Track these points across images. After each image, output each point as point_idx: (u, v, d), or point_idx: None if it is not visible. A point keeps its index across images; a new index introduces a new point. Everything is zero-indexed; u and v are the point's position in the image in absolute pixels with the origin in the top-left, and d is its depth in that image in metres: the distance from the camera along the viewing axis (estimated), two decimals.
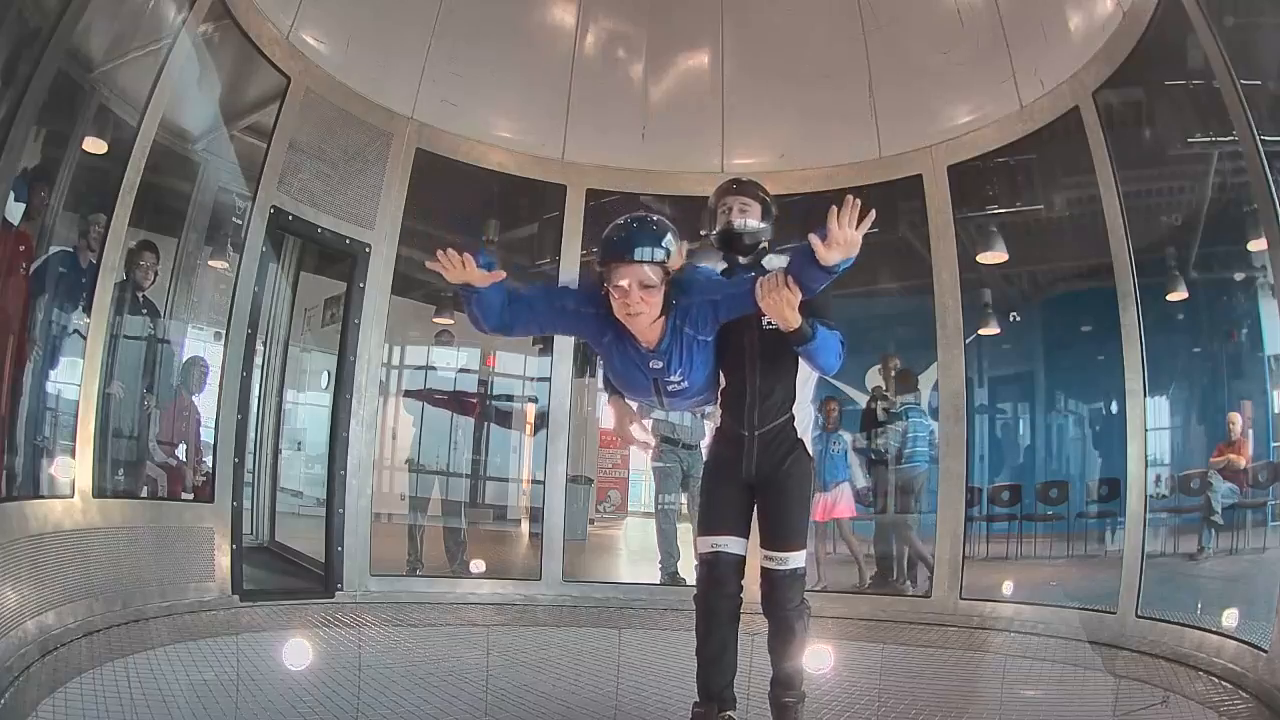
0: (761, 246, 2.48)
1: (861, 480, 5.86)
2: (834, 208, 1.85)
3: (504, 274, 2.07)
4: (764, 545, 2.35)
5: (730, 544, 2.33)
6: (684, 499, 5.65)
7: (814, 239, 1.88)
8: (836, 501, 5.66)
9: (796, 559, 2.30)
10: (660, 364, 2.22)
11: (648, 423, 5.80)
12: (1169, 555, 4.82)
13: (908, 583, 5.31)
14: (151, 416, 4.55)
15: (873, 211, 1.89)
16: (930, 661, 4.03)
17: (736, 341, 2.32)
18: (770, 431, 2.34)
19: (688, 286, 2.14)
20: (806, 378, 2.43)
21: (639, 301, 2.04)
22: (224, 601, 3.95)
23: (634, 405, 2.67)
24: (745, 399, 2.35)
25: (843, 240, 1.85)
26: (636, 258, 2.03)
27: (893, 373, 5.74)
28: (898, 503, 5.60)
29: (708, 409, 5.29)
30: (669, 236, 2.09)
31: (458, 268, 2.01)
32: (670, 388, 2.29)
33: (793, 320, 2.05)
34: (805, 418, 2.42)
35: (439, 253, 2.01)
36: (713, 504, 2.43)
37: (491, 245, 6.14)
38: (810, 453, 2.42)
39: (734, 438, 2.38)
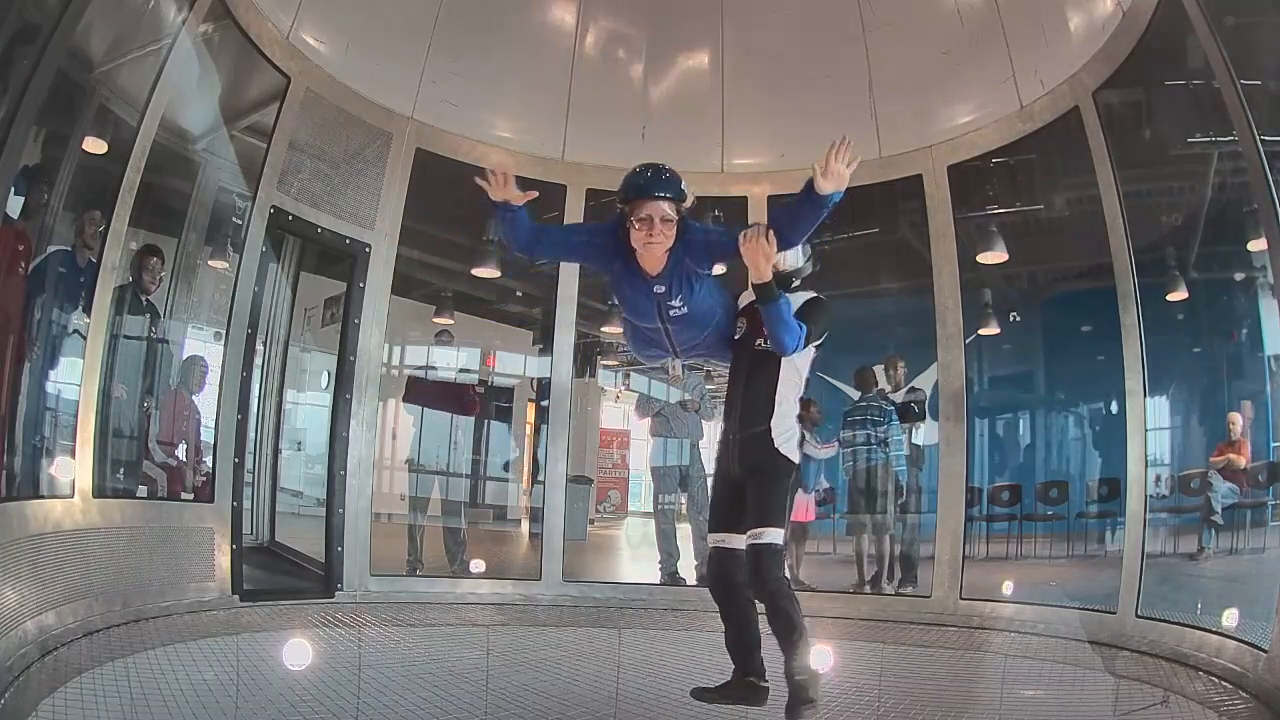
0: (794, 282, 2.75)
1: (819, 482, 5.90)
2: (831, 143, 2.18)
3: (536, 193, 2.46)
4: (746, 526, 2.57)
5: (730, 539, 2.61)
6: (683, 498, 5.65)
7: (815, 167, 2.21)
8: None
9: (771, 535, 2.52)
10: (663, 289, 2.53)
11: (646, 422, 5.82)
12: (1169, 555, 4.82)
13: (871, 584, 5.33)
14: (151, 417, 4.55)
15: (859, 157, 2.30)
16: (930, 661, 4.02)
17: (736, 358, 2.71)
18: (750, 436, 2.63)
19: (689, 227, 2.47)
20: (791, 394, 2.66)
21: (659, 232, 2.38)
22: (224, 601, 3.95)
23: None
24: (733, 405, 2.70)
25: (836, 173, 2.20)
26: (659, 194, 2.38)
27: (893, 371, 5.71)
28: (860, 502, 5.59)
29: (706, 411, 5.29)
30: (684, 181, 2.45)
31: (500, 185, 2.40)
32: (673, 312, 2.59)
33: (765, 273, 2.37)
34: (789, 430, 2.63)
35: (489, 170, 2.41)
36: (716, 503, 2.74)
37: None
38: (793, 459, 2.63)
39: (726, 440, 2.72)
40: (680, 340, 2.74)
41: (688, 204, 2.44)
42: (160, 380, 4.58)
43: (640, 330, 2.74)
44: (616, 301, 2.76)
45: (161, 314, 4.49)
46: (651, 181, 2.41)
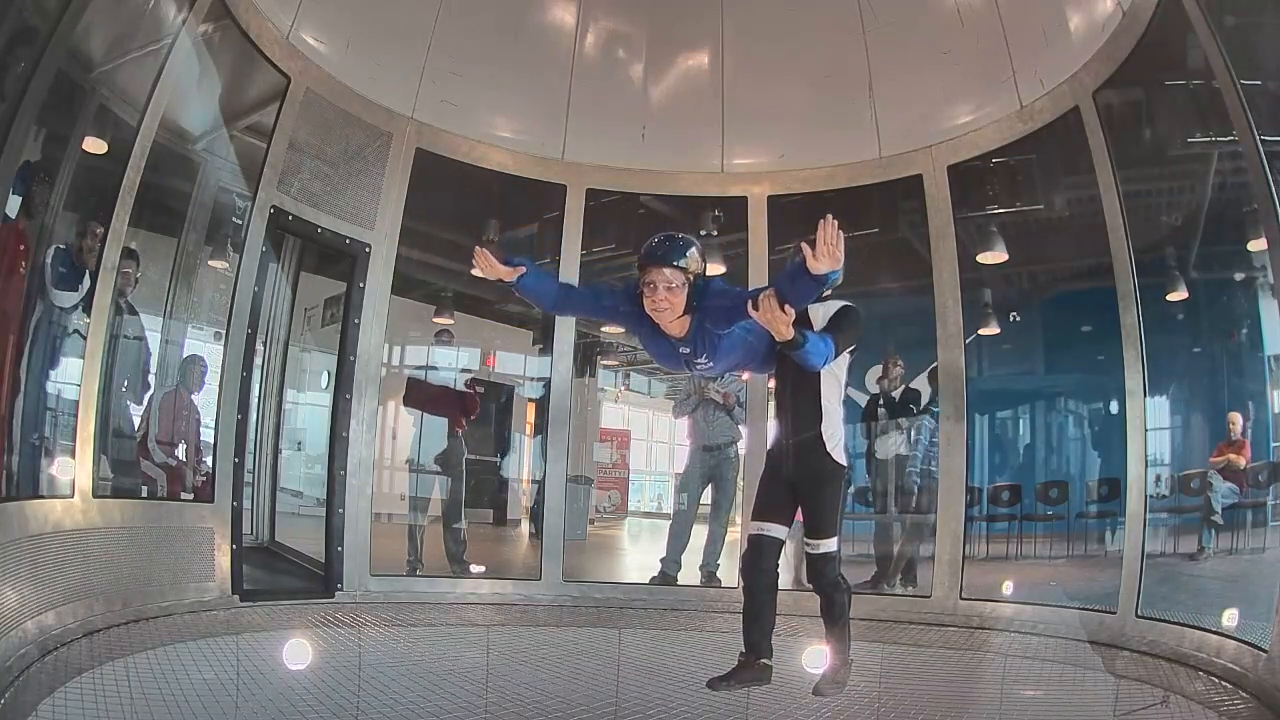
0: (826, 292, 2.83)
1: None
2: (821, 221, 2.19)
3: (524, 268, 2.57)
4: (804, 535, 2.83)
5: (771, 529, 2.83)
6: (706, 499, 5.57)
7: (805, 248, 2.22)
8: None
9: (828, 545, 2.76)
10: (688, 350, 2.68)
11: (684, 421, 5.76)
12: (1169, 555, 4.82)
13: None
14: (151, 417, 4.54)
15: (841, 233, 2.21)
16: (930, 661, 4.02)
17: (780, 366, 2.86)
18: (803, 441, 2.81)
19: (711, 293, 2.57)
20: (835, 398, 2.83)
21: (663, 299, 2.50)
22: (224, 601, 3.95)
23: None
24: (785, 414, 2.90)
25: (827, 254, 2.20)
26: (663, 262, 2.49)
27: (897, 372, 5.62)
28: (910, 503, 5.47)
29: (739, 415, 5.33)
30: (692, 250, 2.53)
31: (486, 266, 2.53)
32: (699, 366, 2.77)
33: (785, 334, 2.46)
34: (837, 434, 2.82)
35: (477, 251, 2.53)
36: (762, 496, 2.91)
37: (492, 244, 6.13)
38: (843, 463, 2.82)
39: (779, 442, 2.91)
40: (709, 377, 2.86)
41: (695, 271, 2.52)
42: (140, 378, 4.54)
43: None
44: (645, 350, 2.93)
45: (140, 312, 4.42)
46: (657, 249, 2.52)
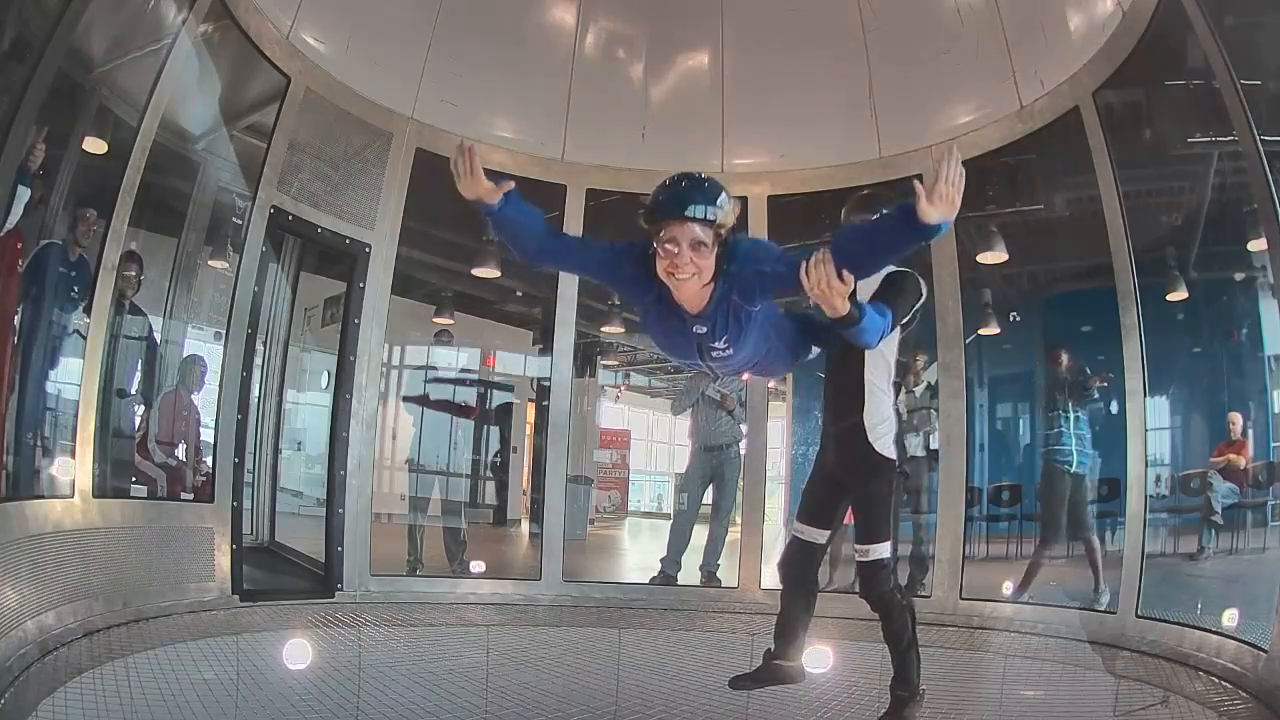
0: None
1: None
2: (944, 154, 1.69)
3: (512, 183, 2.08)
4: (854, 540, 2.58)
5: (809, 533, 2.63)
6: (706, 500, 5.58)
7: (919, 186, 1.68)
8: None
9: (877, 551, 2.49)
10: (704, 329, 2.08)
11: (685, 421, 5.75)
12: (1169, 555, 4.82)
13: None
14: (151, 417, 4.55)
15: (963, 170, 1.70)
16: (930, 661, 4.01)
17: (832, 343, 2.42)
18: (844, 430, 2.54)
19: (739, 253, 1.97)
20: (881, 380, 2.53)
21: (688, 264, 1.89)
22: (224, 601, 3.95)
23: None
24: (826, 398, 2.66)
25: (945, 196, 1.67)
26: (689, 215, 1.87)
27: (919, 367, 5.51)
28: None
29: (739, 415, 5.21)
30: (723, 195, 1.91)
31: (467, 173, 2.05)
32: (715, 353, 2.15)
33: (841, 309, 1.90)
34: (884, 425, 2.52)
35: (464, 149, 2.07)
36: (805, 495, 2.72)
37: (492, 244, 6.13)
38: (890, 456, 2.52)
39: (823, 432, 2.68)
40: (726, 371, 2.38)
41: (728, 224, 1.91)
42: (142, 378, 4.55)
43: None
44: (645, 333, 2.35)
45: (147, 313, 4.46)
46: (679, 196, 1.89)
